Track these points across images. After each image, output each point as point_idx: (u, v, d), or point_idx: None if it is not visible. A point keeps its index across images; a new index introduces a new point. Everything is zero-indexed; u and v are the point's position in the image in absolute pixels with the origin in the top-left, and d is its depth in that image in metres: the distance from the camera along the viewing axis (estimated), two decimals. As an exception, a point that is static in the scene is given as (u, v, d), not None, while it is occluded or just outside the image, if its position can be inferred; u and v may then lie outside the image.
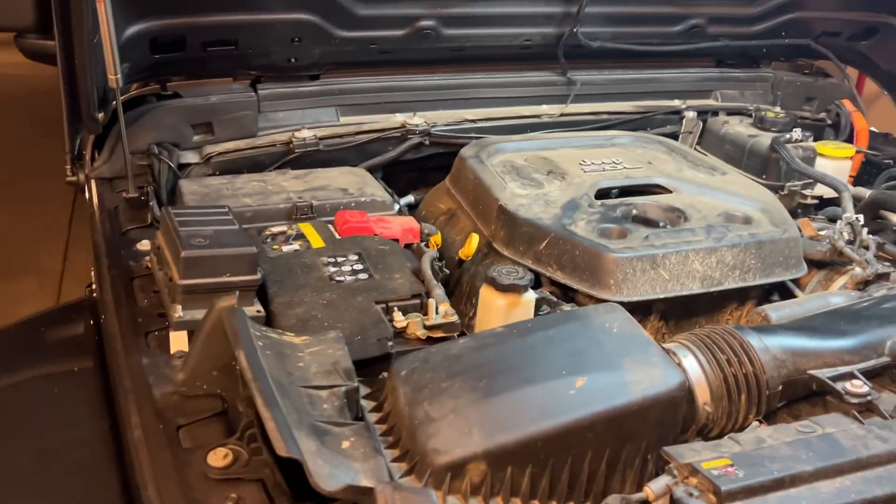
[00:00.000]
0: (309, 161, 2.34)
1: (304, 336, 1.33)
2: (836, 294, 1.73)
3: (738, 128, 2.65)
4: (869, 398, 1.30)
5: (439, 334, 1.52)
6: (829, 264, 1.98)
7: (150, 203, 1.95)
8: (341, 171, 2.26)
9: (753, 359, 1.36)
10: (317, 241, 1.85)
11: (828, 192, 2.46)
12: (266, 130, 2.37)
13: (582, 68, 2.72)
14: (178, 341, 1.44)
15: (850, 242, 1.94)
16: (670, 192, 2.09)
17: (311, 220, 2.00)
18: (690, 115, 2.75)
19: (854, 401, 1.30)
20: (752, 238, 1.84)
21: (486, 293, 1.56)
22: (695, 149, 2.68)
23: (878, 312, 1.50)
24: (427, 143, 2.44)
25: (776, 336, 1.43)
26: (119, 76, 1.70)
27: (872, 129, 2.92)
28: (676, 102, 2.83)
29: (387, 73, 2.53)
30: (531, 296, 1.56)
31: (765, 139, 2.53)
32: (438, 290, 1.60)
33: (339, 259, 1.75)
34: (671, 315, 1.82)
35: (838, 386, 1.33)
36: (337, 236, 1.88)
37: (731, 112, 2.81)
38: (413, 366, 1.32)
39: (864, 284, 1.87)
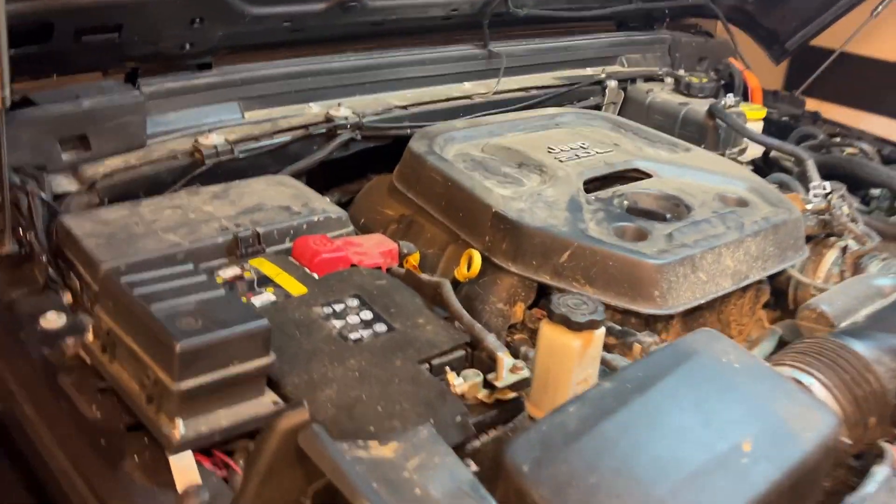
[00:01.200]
0: (221, 172, 1.87)
1: (390, 443, 0.97)
2: (878, 276, 1.65)
3: (665, 95, 2.54)
4: None
5: (508, 395, 1.22)
6: (811, 239, 1.92)
7: (42, 257, 1.42)
8: (266, 183, 1.82)
9: (875, 373, 1.22)
10: (292, 285, 1.44)
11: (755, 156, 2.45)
12: (157, 137, 1.86)
13: (501, 40, 2.45)
14: (185, 471, 1.01)
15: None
16: (650, 176, 1.92)
17: (262, 253, 1.58)
18: (612, 84, 2.60)
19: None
20: (767, 223, 1.71)
21: (555, 335, 1.27)
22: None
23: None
24: (359, 137, 2.06)
25: (874, 341, 1.30)
26: (7, 95, 1.17)
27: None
28: (590, 71, 2.67)
29: (294, 55, 2.09)
30: (602, 329, 1.31)
31: (698, 106, 2.45)
32: (492, 337, 1.29)
33: (337, 307, 1.37)
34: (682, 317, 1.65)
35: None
36: (312, 274, 1.49)
37: (647, 78, 2.70)
38: (534, 455, 1.01)
39: (859, 258, 1.83)
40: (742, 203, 1.81)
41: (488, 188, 1.72)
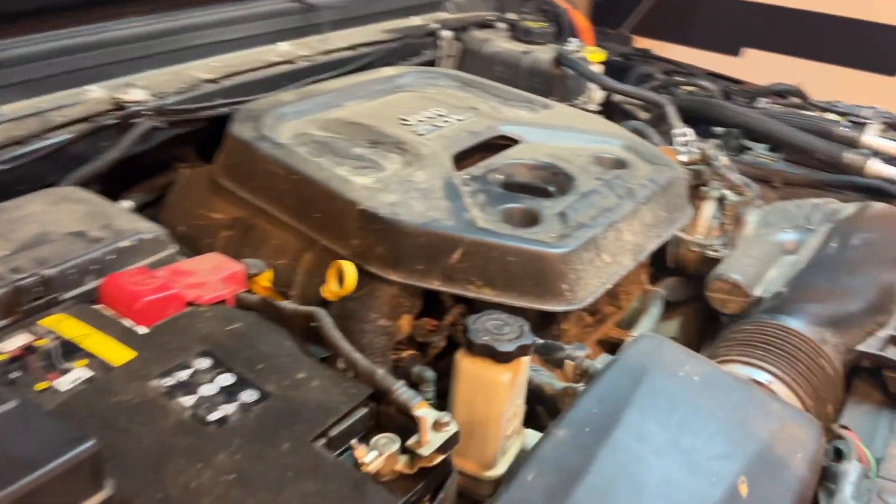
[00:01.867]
0: (-24, 191, 1.38)
1: None
2: (776, 232, 1.54)
3: (504, 44, 2.32)
4: (933, 363, 1.13)
5: (435, 459, 0.95)
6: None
7: None
8: (45, 201, 1.37)
9: (825, 356, 1.10)
10: (111, 349, 1.06)
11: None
12: None
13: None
14: None
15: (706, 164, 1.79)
16: (517, 142, 1.70)
17: (57, 305, 1.16)
18: (446, 34, 2.33)
19: (924, 372, 1.12)
20: (656, 186, 1.55)
21: (479, 369, 1.01)
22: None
23: (856, 253, 1.35)
24: (163, 125, 1.63)
25: (810, 315, 1.18)
26: None
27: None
28: (419, 21, 2.38)
29: (59, 26, 1.60)
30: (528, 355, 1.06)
31: (542, 54, 2.25)
32: (401, 385, 1.00)
33: (182, 375, 1.01)
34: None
35: (899, 358, 1.14)
36: (136, 328, 1.10)
37: (480, 25, 2.46)
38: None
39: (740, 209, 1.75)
40: (620, 164, 1.64)
41: (346, 179, 1.41)
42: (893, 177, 1.81)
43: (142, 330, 1.10)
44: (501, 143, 1.70)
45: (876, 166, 1.81)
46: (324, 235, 1.40)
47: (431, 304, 1.42)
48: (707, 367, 1.01)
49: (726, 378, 0.99)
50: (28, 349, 1.04)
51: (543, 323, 1.46)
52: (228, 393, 0.99)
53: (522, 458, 1.12)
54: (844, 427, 1.10)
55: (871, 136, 1.88)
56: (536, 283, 1.28)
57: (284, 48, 1.98)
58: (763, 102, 2.27)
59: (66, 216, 1.33)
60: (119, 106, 1.56)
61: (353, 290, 1.29)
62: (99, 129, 1.53)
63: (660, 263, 1.82)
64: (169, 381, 1.00)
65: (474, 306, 1.43)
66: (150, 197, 1.85)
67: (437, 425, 0.95)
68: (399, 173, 1.46)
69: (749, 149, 2.18)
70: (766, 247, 1.45)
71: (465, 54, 2.36)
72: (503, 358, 1.00)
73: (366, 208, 1.33)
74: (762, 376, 1.08)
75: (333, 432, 0.96)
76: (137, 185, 1.82)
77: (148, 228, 1.33)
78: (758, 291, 1.37)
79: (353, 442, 0.94)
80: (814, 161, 2.01)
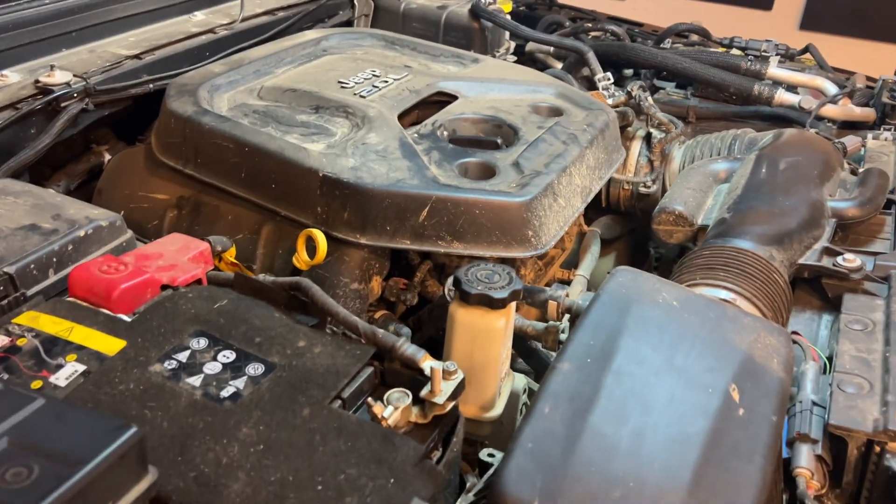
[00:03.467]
0: None
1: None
2: (709, 162, 1.64)
3: (419, 0, 2.32)
4: (863, 267, 1.27)
5: (447, 406, 0.99)
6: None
7: None
8: (-20, 194, 1.30)
9: (777, 271, 1.21)
10: (99, 340, 1.03)
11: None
12: None
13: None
14: None
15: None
16: (456, 97, 1.73)
17: (26, 302, 1.12)
18: (361, -6, 2.31)
19: (857, 276, 1.26)
20: (595, 129, 1.62)
21: (475, 317, 1.06)
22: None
23: (785, 176, 1.47)
24: (90, 107, 1.55)
25: (756, 235, 1.29)
26: None
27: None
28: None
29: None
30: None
31: (458, 9, 2.27)
32: (402, 340, 1.02)
33: (181, 356, 1.00)
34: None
35: (835, 266, 1.27)
36: (118, 316, 1.08)
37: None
38: (536, 483, 0.83)
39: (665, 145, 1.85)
40: (556, 112, 1.70)
41: (302, 147, 1.40)
42: (797, 105, 1.96)
43: (122, 317, 1.08)
44: (439, 100, 1.73)
45: (784, 96, 1.96)
46: (283, 206, 1.39)
47: (396, 263, 1.45)
48: (681, 292, 1.09)
49: (700, 299, 1.08)
50: (10, 349, 1.00)
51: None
52: (233, 369, 0.99)
53: (515, 397, 1.18)
54: (795, 333, 1.22)
55: (776, 69, 2.02)
56: (504, 232, 1.33)
57: (200, 18, 1.92)
58: (669, 43, 2.38)
59: (10, 210, 1.26)
60: (44, 90, 1.47)
61: (323, 258, 1.29)
62: (25, 116, 1.44)
63: (591, 203, 1.91)
64: (170, 364, 0.99)
65: (438, 261, 1.47)
66: (73, 184, 1.77)
67: (446, 374, 1.00)
68: (351, 137, 1.47)
69: (661, 88, 2.29)
70: (701, 178, 1.55)
71: (379, 12, 2.35)
72: (498, 304, 1.04)
73: (328, 174, 1.33)
74: (726, 295, 1.18)
75: (346, 393, 0.98)
76: (57, 172, 1.74)
77: (102, 215, 1.28)
78: (700, 220, 1.47)
79: (369, 399, 0.97)
80: (721, 95, 2.14)
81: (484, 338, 1.06)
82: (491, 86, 1.77)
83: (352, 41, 1.96)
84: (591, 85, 2.13)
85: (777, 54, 2.20)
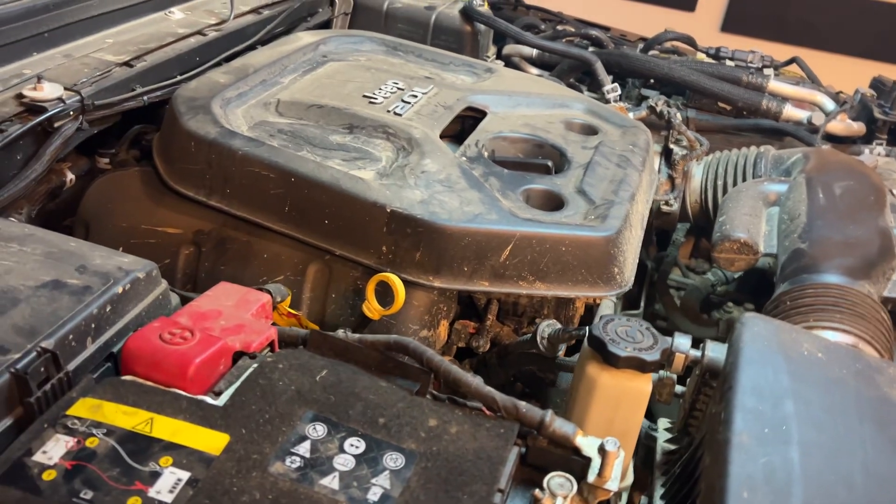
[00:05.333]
0: None
1: None
2: (758, 183, 1.60)
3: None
4: None
5: (611, 492, 0.88)
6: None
7: None
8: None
9: (882, 307, 1.18)
10: (191, 434, 0.84)
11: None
12: None
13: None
14: None
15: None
16: (485, 113, 1.60)
17: (78, 387, 0.91)
18: (342, -9, 2.11)
19: None
20: (641, 150, 1.54)
21: (621, 381, 0.94)
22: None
23: (846, 202, 1.44)
24: (85, 126, 1.30)
25: (848, 269, 1.26)
26: None
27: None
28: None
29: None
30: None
31: (448, 10, 2.12)
32: (549, 413, 0.90)
33: (302, 449, 0.83)
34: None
35: None
36: (202, 398, 0.89)
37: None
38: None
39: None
40: (591, 129, 1.61)
41: (359, 178, 1.23)
42: (805, 120, 1.97)
43: (211, 400, 0.89)
44: (470, 115, 1.60)
45: (792, 111, 1.96)
46: (338, 244, 1.22)
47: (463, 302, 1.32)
48: (820, 342, 1.03)
49: (841, 350, 1.02)
50: (81, 454, 0.80)
51: (557, 307, 1.42)
52: (368, 462, 0.84)
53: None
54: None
55: (776, 82, 2.02)
56: (589, 270, 1.22)
57: (180, 16, 1.67)
58: (655, 51, 2.35)
59: (20, 262, 1.03)
60: (32, 107, 1.22)
61: (400, 306, 1.14)
62: (14, 141, 1.18)
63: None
64: (293, 462, 0.82)
65: (505, 302, 1.35)
66: (34, 210, 1.50)
67: (611, 456, 0.88)
68: (404, 163, 1.31)
69: (647, 97, 2.25)
70: (752, 202, 1.51)
71: (359, 11, 2.16)
72: (650, 368, 0.94)
73: (397, 210, 1.17)
74: (848, 339, 1.14)
75: (503, 483, 0.85)
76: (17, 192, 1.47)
77: (135, 264, 1.07)
78: (762, 247, 1.43)
79: (536, 492, 0.84)
80: (715, 106, 2.13)
81: (631, 404, 0.96)
82: (518, 100, 1.65)
83: (350, 46, 1.78)
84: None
85: (763, 66, 2.21)
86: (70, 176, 1.58)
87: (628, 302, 2.10)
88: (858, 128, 1.99)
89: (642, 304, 1.99)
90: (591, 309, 1.62)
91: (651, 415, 1.37)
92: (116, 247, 1.32)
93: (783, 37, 4.15)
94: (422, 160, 1.31)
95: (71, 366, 0.94)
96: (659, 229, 1.86)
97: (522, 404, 0.91)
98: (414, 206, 1.18)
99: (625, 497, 1.15)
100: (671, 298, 2.07)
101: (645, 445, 1.23)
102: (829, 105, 2.01)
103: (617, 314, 1.00)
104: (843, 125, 1.97)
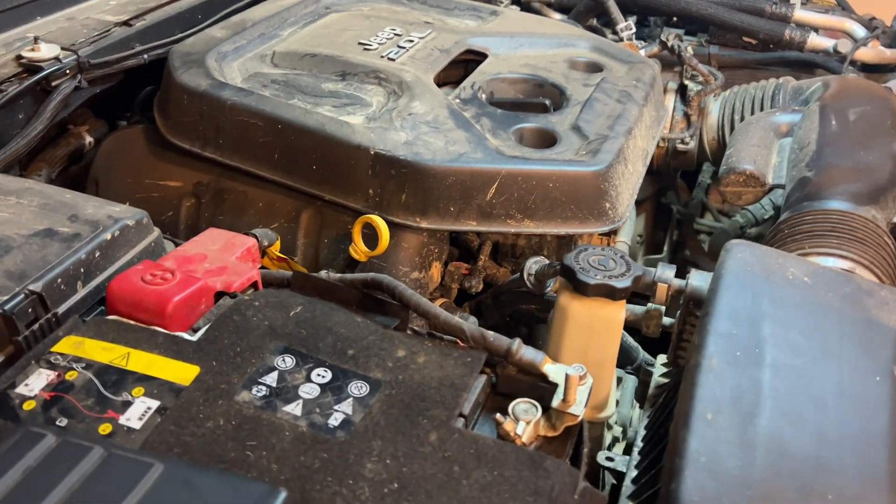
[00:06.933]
0: None
1: None
2: (769, 115, 1.54)
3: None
4: None
5: (577, 418, 0.88)
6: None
7: None
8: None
9: (883, 233, 1.13)
10: (166, 366, 0.87)
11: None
12: None
13: None
14: None
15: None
16: (486, 55, 1.58)
17: (60, 326, 0.95)
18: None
19: None
20: (645, 85, 1.50)
21: (593, 310, 0.94)
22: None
23: (859, 128, 1.38)
24: (84, 84, 1.34)
25: (851, 194, 1.21)
26: None
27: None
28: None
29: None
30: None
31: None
32: (517, 342, 0.90)
33: (269, 379, 0.86)
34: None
35: None
36: (179, 335, 0.92)
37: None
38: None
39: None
40: (596, 67, 1.57)
41: (345, 121, 1.24)
42: (831, 49, 1.88)
43: (187, 336, 0.92)
44: (466, 59, 1.58)
45: (817, 40, 1.87)
46: (326, 189, 1.23)
47: (453, 245, 1.32)
48: (808, 267, 0.99)
49: (830, 273, 0.99)
50: (60, 386, 0.84)
51: (560, 247, 1.41)
52: (333, 390, 0.85)
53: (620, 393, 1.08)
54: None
55: (802, 11, 1.93)
56: (579, 206, 1.21)
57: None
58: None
59: (16, 214, 1.07)
60: (30, 67, 1.26)
61: (386, 247, 1.15)
62: (12, 100, 1.23)
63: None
64: (259, 391, 0.84)
65: (497, 241, 1.34)
66: (54, 172, 1.56)
67: (574, 380, 0.88)
68: (392, 107, 1.31)
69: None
70: (762, 133, 1.46)
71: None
72: (621, 295, 0.93)
73: (380, 152, 1.18)
74: (844, 264, 1.09)
75: (467, 409, 0.86)
76: (34, 160, 1.53)
77: (126, 212, 1.11)
78: (770, 179, 1.38)
79: (497, 416, 0.85)
80: (739, 41, 2.05)
81: (603, 332, 0.95)
82: (521, 41, 1.62)
83: (354, -5, 1.77)
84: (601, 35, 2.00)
85: (792, -5, 2.11)
86: (89, 139, 1.64)
87: (653, 247, 2.06)
88: (892, 55, 1.88)
89: (665, 248, 1.95)
90: (599, 251, 1.60)
91: (651, 350, 1.36)
92: (123, 201, 1.36)
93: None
94: (410, 103, 1.31)
95: (61, 308, 0.99)
96: (675, 169, 1.81)
97: (490, 334, 0.91)
98: (398, 148, 1.18)
99: (618, 430, 1.15)
100: (698, 243, 2.02)
101: (643, 382, 1.22)
102: (860, 32, 1.90)
103: (593, 246, 0.98)
104: (874, 52, 1.87)
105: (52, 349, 0.89)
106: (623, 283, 0.92)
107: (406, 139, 1.20)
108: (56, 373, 0.86)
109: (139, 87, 1.58)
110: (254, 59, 1.45)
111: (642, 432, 1.02)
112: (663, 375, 1.15)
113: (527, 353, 0.90)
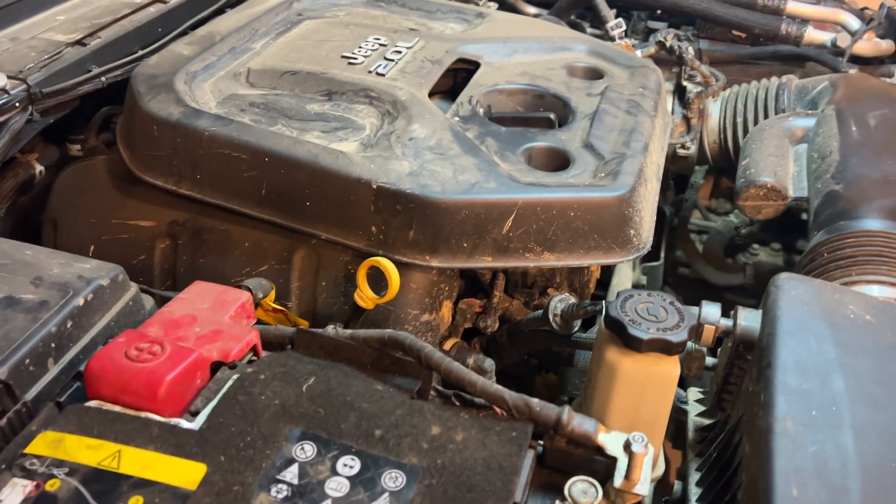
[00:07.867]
0: None
1: None
2: (783, 119, 1.46)
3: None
4: None
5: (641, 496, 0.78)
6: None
7: None
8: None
9: None
10: (165, 467, 0.75)
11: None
12: None
13: None
14: None
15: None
16: (478, 64, 1.46)
17: (38, 419, 0.81)
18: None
19: None
20: (651, 93, 1.40)
21: (646, 366, 0.84)
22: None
23: (882, 133, 1.30)
24: (36, 117, 1.18)
25: (884, 213, 1.13)
26: None
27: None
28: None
29: None
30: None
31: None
32: (566, 410, 0.79)
33: (289, 475, 0.74)
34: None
35: None
36: (175, 422, 0.79)
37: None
38: None
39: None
40: (596, 73, 1.47)
41: (340, 152, 1.11)
42: (829, 43, 1.81)
43: (186, 424, 0.79)
44: (462, 68, 1.46)
45: (814, 34, 1.80)
46: (322, 227, 1.11)
47: (467, 279, 1.21)
48: (867, 302, 0.91)
49: (891, 309, 0.91)
50: (41, 501, 0.71)
51: (571, 274, 1.31)
52: (364, 484, 0.74)
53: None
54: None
55: (795, 3, 1.85)
56: (602, 234, 1.10)
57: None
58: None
59: (-32, 277, 0.92)
60: (-31, 100, 1.10)
61: (396, 292, 1.03)
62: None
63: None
64: (280, 491, 0.72)
65: (513, 273, 1.23)
66: (2, 208, 1.40)
67: (639, 457, 0.78)
68: (389, 131, 1.19)
69: (655, 30, 2.09)
70: (777, 140, 1.38)
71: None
72: (677, 350, 0.83)
73: (384, 185, 1.06)
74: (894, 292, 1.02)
75: (519, 496, 0.75)
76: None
77: (97, 270, 0.97)
78: (791, 191, 1.30)
79: (558, 503, 0.75)
80: (729, 36, 1.97)
81: (657, 390, 0.85)
82: (514, 46, 1.50)
83: (327, 0, 1.64)
84: (581, 31, 1.91)
85: (778, -15, 2.03)
86: (39, 168, 1.47)
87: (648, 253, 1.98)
88: (887, 46, 1.83)
89: (662, 254, 1.87)
90: (607, 269, 1.50)
91: (680, 383, 1.27)
92: (87, 244, 1.23)
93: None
94: (409, 125, 1.19)
95: (30, 394, 0.85)
96: (675, 174, 1.73)
97: (535, 402, 0.81)
98: (402, 180, 1.06)
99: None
100: (693, 245, 1.95)
101: (674, 419, 1.13)
102: (854, 24, 1.84)
103: (637, 291, 0.88)
104: (869, 44, 1.81)
105: (26, 450, 0.76)
106: (679, 336, 0.82)
107: (410, 169, 1.08)
108: (34, 482, 0.73)
109: (92, 105, 1.42)
110: (227, 79, 1.31)
111: (695, 490, 0.93)
112: (702, 415, 1.07)
113: (579, 422, 0.79)
